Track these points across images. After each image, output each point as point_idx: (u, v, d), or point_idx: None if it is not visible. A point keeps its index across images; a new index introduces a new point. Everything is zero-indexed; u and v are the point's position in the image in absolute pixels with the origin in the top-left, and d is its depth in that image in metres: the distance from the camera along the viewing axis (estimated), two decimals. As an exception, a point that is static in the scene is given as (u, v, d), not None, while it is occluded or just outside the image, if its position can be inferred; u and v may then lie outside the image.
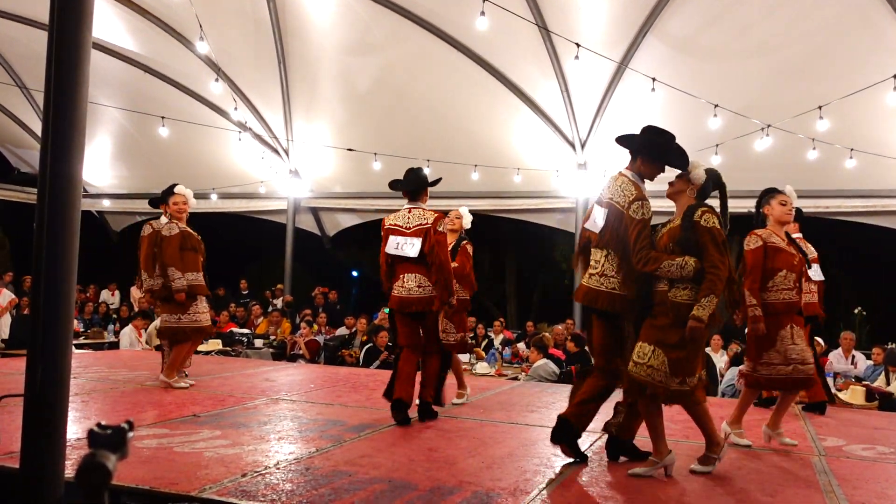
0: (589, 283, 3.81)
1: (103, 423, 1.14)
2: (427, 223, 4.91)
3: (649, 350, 3.55)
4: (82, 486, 1.10)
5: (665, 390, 3.51)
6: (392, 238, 4.97)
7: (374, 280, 25.23)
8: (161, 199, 6.10)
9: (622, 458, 3.95)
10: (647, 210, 3.72)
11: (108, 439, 1.11)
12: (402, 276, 4.94)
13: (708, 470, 3.71)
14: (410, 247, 4.89)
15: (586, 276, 3.88)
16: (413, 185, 5.07)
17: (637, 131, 3.93)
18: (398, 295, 4.93)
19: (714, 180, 3.79)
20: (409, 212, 5.02)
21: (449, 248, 5.69)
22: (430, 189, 5.16)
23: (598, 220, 3.83)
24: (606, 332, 3.84)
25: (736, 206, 12.00)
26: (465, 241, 5.76)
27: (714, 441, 3.73)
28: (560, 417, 3.86)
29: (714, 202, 3.80)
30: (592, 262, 3.86)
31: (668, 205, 3.87)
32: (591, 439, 4.41)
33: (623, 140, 3.94)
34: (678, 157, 3.82)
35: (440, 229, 4.92)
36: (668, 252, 3.62)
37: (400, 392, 4.78)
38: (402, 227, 4.98)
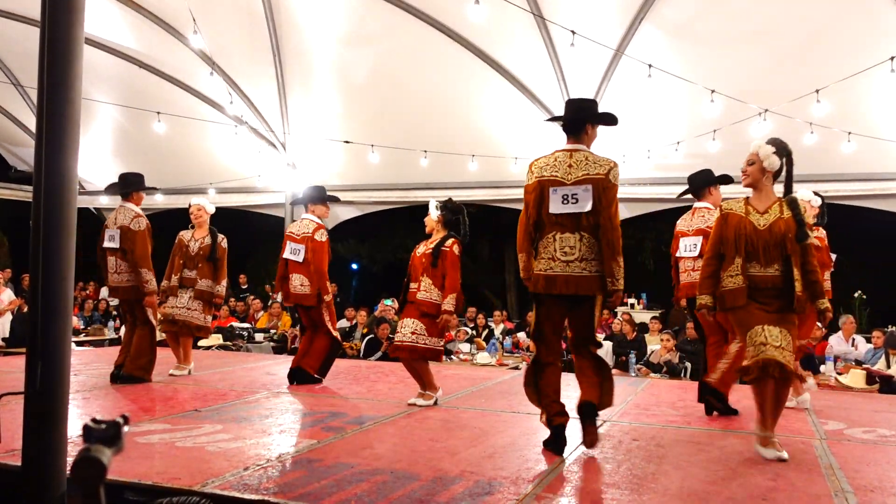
0: (568, 272, 3.74)
1: (98, 417, 1.13)
2: (308, 232, 6.00)
3: (777, 332, 3.66)
4: (77, 481, 1.09)
5: (791, 370, 3.66)
6: (288, 244, 6.07)
7: (373, 272, 25.30)
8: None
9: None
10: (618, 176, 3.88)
11: (103, 434, 1.11)
12: (291, 276, 6.02)
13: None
14: (297, 253, 5.99)
15: (559, 264, 3.77)
16: (305, 197, 6.25)
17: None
18: (290, 291, 6.03)
19: (787, 157, 3.93)
20: (301, 221, 6.16)
21: (429, 248, 5.20)
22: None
23: (582, 201, 3.75)
24: (562, 316, 3.91)
25: (734, 191, 11.94)
26: (449, 242, 5.16)
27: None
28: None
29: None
30: (566, 249, 3.77)
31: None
32: (593, 427, 4.42)
33: (564, 118, 3.99)
34: (608, 116, 3.99)
35: (317, 238, 5.95)
36: (780, 243, 3.74)
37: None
38: (295, 234, 6.08)
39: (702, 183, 5.35)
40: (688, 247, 5.19)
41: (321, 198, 6.19)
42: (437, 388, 5.22)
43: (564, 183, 3.81)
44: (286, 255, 6.03)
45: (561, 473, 3.37)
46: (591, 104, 4.07)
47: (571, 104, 4.04)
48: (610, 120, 3.99)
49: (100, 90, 12.71)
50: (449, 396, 5.52)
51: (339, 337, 6.29)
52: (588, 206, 3.74)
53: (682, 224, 5.36)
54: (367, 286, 25.21)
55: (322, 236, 5.96)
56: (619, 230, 3.78)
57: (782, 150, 3.90)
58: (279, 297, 13.02)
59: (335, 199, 6.33)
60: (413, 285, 5.22)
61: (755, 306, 3.74)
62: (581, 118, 3.93)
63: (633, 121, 10.66)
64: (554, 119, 4.10)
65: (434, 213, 5.29)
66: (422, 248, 5.28)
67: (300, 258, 5.94)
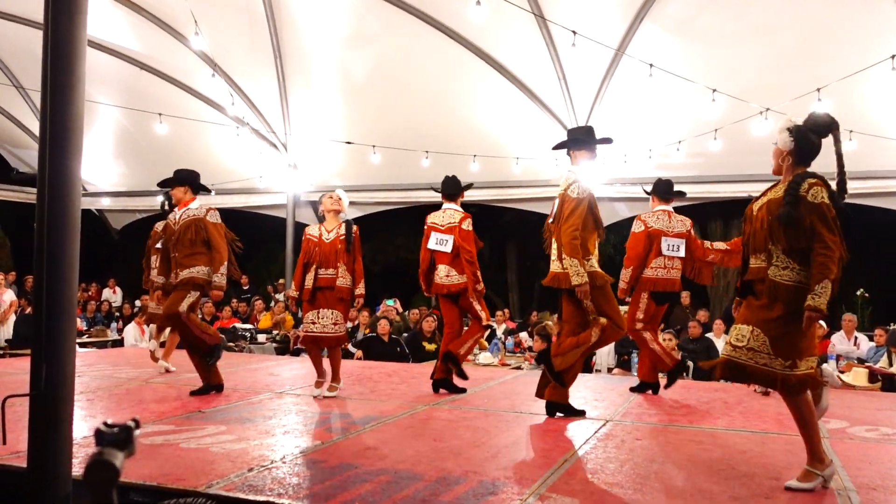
0: (552, 269, 4.71)
1: (109, 421, 1.14)
2: (454, 222, 5.78)
3: (747, 331, 3.19)
4: (90, 485, 1.10)
5: (770, 374, 3.12)
6: (433, 234, 5.87)
7: (375, 273, 25.29)
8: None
9: (558, 414, 4.68)
10: (581, 190, 4.55)
11: (115, 437, 1.12)
12: (437, 267, 5.84)
13: (809, 487, 3.17)
14: (444, 244, 5.81)
15: (551, 263, 4.74)
16: (445, 188, 6.03)
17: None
18: (435, 282, 5.87)
19: (815, 132, 3.34)
20: (444, 211, 5.91)
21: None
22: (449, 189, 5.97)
23: (554, 212, 4.71)
24: (575, 306, 4.62)
25: (736, 190, 11.92)
26: (355, 228, 5.63)
27: (816, 455, 3.21)
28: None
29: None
30: (553, 251, 4.73)
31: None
32: (596, 426, 4.43)
33: (559, 145, 4.88)
34: (601, 139, 4.87)
35: (464, 227, 5.71)
36: (765, 228, 3.16)
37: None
38: (439, 224, 5.82)
39: (673, 190, 6.00)
40: (670, 247, 5.76)
41: (462, 187, 6.08)
42: (340, 378, 5.59)
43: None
44: (431, 245, 5.84)
45: (564, 473, 3.38)
46: (578, 131, 4.88)
47: (568, 133, 4.92)
48: (596, 142, 4.83)
49: (101, 92, 12.73)
50: (452, 396, 5.53)
51: (490, 323, 5.95)
52: (552, 218, 4.73)
53: (659, 223, 5.82)
54: (369, 287, 25.13)
55: (468, 225, 5.75)
56: (571, 236, 4.46)
57: (811, 125, 3.38)
58: (281, 298, 13.10)
59: (469, 186, 6.17)
60: (328, 272, 5.41)
61: (747, 304, 3.29)
62: (564, 145, 4.82)
63: (634, 120, 10.67)
64: (557, 147, 4.94)
65: (346, 201, 5.71)
66: (331, 235, 5.49)
67: (447, 248, 5.75)
